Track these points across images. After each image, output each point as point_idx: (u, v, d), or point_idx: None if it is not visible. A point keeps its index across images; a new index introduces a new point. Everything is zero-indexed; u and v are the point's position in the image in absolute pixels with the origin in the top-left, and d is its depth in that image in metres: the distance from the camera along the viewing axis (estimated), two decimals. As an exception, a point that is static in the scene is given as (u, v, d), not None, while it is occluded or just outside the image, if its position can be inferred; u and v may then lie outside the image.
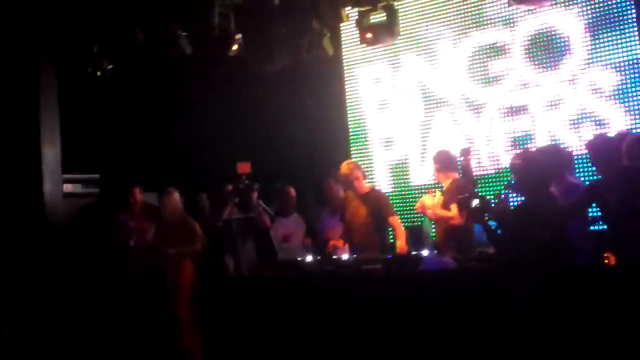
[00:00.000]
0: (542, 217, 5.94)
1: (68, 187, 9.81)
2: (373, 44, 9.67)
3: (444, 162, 8.09)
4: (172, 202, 9.00)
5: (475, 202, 6.31)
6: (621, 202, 5.75)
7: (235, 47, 9.96)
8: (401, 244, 7.95)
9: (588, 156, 6.73)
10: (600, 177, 6.29)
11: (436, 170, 8.12)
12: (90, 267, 9.41)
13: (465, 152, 7.31)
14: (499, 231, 6.26)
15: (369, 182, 9.03)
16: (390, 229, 8.46)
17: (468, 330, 6.54)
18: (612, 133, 7.33)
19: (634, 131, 8.39)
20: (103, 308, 9.20)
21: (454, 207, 7.64)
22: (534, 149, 7.40)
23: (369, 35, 9.38)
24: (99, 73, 10.22)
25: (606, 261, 6.09)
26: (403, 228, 8.24)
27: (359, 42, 10.05)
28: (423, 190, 9.79)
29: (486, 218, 6.33)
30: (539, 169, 6.16)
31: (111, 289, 9.22)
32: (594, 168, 6.61)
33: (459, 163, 7.72)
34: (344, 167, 8.45)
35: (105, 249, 9.26)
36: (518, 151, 8.70)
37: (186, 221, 8.96)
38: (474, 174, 7.93)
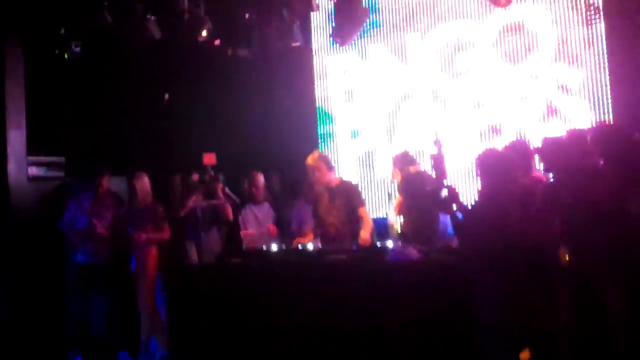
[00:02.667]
0: (507, 211, 6.01)
1: (33, 170, 9.72)
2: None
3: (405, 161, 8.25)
4: (143, 186, 8.94)
5: (444, 193, 6.36)
6: (575, 202, 5.84)
7: (204, 32, 9.91)
8: (365, 235, 7.88)
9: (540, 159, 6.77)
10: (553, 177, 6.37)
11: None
12: (52, 250, 9.35)
13: (437, 144, 7.34)
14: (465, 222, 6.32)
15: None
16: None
17: (430, 321, 6.58)
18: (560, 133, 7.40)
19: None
20: (64, 292, 9.16)
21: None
22: (501, 145, 7.42)
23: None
24: (66, 55, 10.14)
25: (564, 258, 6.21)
26: (371, 220, 8.20)
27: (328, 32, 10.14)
28: (389, 182, 9.89)
29: (453, 209, 6.38)
30: (505, 163, 6.23)
31: (72, 272, 9.18)
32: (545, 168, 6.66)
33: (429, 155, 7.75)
34: (310, 158, 8.34)
35: (63, 230, 9.20)
36: (484, 146, 8.82)
37: (156, 207, 8.92)
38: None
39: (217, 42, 10.18)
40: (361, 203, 8.24)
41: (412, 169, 8.21)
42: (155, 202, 8.95)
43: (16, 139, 9.43)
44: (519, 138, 8.25)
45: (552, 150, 6.20)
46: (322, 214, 8.21)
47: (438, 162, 7.08)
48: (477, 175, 6.46)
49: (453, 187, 6.60)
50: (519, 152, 6.69)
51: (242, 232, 8.69)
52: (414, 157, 8.49)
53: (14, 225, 9.24)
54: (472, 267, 6.17)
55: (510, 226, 5.96)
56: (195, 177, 8.99)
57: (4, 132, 9.32)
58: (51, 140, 10.15)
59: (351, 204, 8.11)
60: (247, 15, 10.06)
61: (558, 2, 9.12)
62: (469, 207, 6.54)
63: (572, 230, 5.90)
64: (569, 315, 5.92)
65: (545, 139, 6.44)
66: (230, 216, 9.02)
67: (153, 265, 8.80)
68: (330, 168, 8.31)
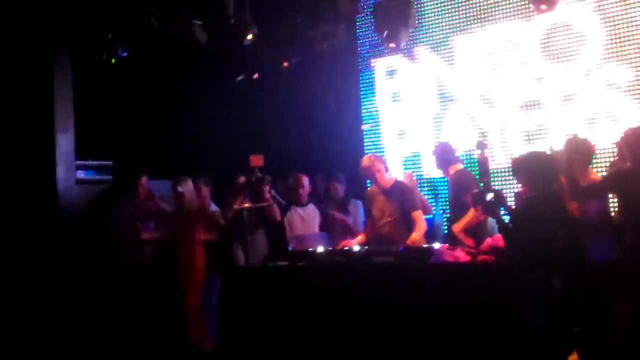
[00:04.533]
0: (556, 212, 5.96)
1: (81, 174, 9.82)
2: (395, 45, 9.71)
3: (447, 154, 8.20)
4: (189, 191, 9.01)
5: (490, 196, 6.30)
6: None
7: (250, 36, 9.95)
8: (415, 236, 7.86)
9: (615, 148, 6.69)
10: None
11: (439, 163, 8.21)
12: (99, 253, 9.44)
13: (482, 146, 7.29)
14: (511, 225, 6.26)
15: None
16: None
17: (476, 324, 6.51)
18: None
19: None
20: (111, 294, 9.22)
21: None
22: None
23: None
24: (113, 60, 10.25)
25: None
26: (424, 224, 8.13)
27: (374, 33, 10.13)
28: (435, 183, 9.83)
29: (500, 212, 6.32)
30: (544, 164, 6.18)
31: (117, 275, 9.25)
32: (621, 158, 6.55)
33: (474, 157, 7.72)
34: (365, 160, 8.37)
35: (108, 234, 9.31)
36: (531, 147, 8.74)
37: (206, 209, 8.99)
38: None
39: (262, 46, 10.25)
40: (415, 207, 8.18)
41: (452, 168, 8.17)
42: (205, 205, 9.02)
43: (65, 142, 9.53)
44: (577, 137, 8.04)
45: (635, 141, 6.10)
46: (376, 215, 8.25)
47: (483, 164, 7.04)
48: (516, 178, 6.43)
49: (499, 189, 6.56)
50: (578, 151, 6.65)
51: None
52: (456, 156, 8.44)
53: (62, 228, 9.34)
54: (519, 270, 6.11)
55: (552, 228, 5.91)
56: (242, 179, 9.00)
57: (52, 136, 9.43)
58: (99, 145, 10.24)
59: (405, 205, 8.09)
60: (292, 19, 10.09)
61: (607, 0, 8.98)
62: (514, 209, 6.50)
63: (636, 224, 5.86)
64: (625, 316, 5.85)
65: (633, 129, 6.37)
66: (278, 217, 9.04)
67: (201, 267, 8.84)
68: (387, 169, 8.34)
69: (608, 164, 7.96)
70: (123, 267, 9.25)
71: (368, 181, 8.86)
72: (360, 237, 8.43)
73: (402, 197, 8.16)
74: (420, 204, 8.35)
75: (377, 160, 8.35)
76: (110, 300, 9.19)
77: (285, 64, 10.78)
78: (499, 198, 6.31)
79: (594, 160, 7.13)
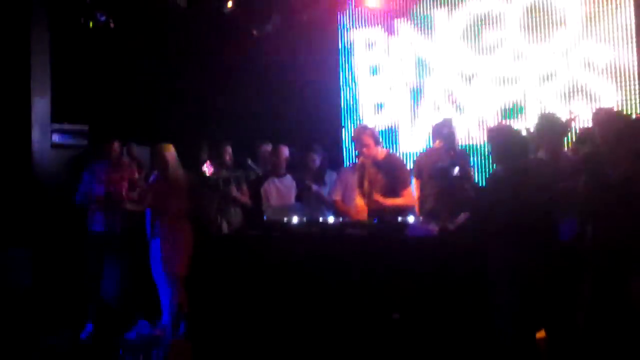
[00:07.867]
0: (519, 187, 6.00)
1: (56, 138, 9.73)
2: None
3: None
4: (173, 157, 8.77)
5: (456, 171, 6.34)
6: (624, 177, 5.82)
7: (230, 3, 9.92)
8: (390, 201, 7.82)
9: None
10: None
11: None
12: (73, 218, 9.40)
13: (447, 122, 7.32)
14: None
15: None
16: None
17: (447, 297, 6.57)
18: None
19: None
20: (81, 260, 9.17)
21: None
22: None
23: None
24: (91, 24, 10.18)
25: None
26: (411, 199, 7.96)
27: (354, 6, 10.13)
28: (412, 156, 9.89)
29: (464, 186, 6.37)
30: (519, 138, 6.23)
31: (89, 242, 9.20)
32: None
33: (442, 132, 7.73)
34: (354, 132, 8.28)
35: (78, 200, 9.24)
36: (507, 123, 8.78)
37: (189, 177, 8.84)
38: (459, 143, 8.15)
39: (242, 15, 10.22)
40: (406, 184, 8.03)
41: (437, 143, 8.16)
42: (186, 173, 8.88)
43: (41, 106, 9.44)
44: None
45: (606, 124, 6.10)
46: (367, 187, 8.09)
47: (449, 139, 7.08)
48: (489, 151, 6.45)
49: (466, 164, 6.60)
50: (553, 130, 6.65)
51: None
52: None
53: (36, 192, 9.28)
54: (488, 245, 6.17)
55: (525, 203, 5.96)
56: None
57: (28, 99, 9.34)
58: (76, 109, 10.16)
59: (397, 179, 7.99)
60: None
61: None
62: (484, 184, 6.55)
63: (603, 206, 5.90)
64: (591, 296, 5.93)
65: (601, 110, 6.39)
66: (249, 202, 8.96)
67: (189, 237, 8.75)
68: (377, 142, 8.18)
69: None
70: (95, 233, 9.16)
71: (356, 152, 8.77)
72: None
73: (393, 172, 8.01)
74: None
75: (366, 135, 8.05)
76: (80, 265, 9.13)
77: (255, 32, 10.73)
78: (465, 172, 6.37)
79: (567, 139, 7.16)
